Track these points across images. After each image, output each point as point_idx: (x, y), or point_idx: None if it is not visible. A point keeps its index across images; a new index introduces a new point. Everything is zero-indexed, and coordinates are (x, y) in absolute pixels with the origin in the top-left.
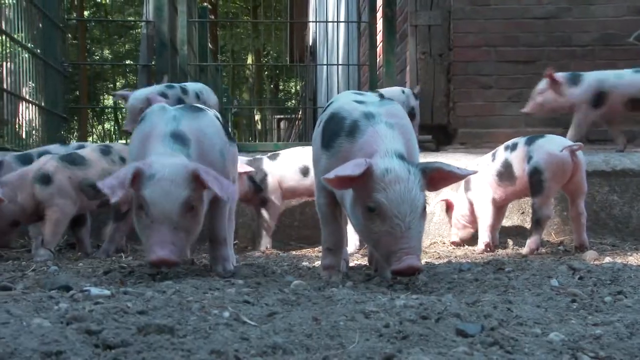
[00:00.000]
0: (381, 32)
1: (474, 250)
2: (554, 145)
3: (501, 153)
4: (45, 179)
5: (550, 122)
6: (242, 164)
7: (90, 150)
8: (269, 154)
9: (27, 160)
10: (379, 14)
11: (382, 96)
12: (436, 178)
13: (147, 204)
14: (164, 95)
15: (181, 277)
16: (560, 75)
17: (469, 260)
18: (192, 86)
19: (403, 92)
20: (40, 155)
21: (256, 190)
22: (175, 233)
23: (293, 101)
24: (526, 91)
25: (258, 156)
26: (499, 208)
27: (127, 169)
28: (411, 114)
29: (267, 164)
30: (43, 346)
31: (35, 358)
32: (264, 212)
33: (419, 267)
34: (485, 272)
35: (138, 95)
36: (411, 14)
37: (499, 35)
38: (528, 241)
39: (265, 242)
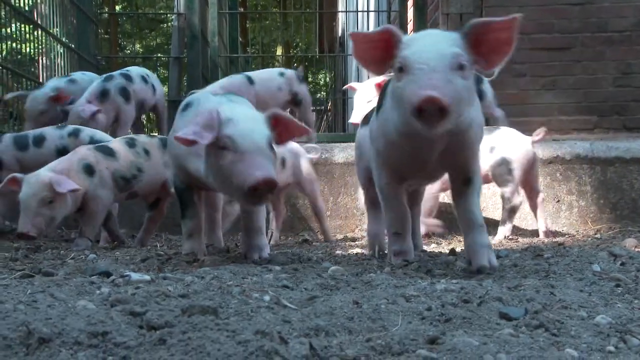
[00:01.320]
0: (412, 21)
1: (511, 238)
2: (515, 135)
3: None
4: (89, 169)
5: (583, 110)
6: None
7: (117, 143)
8: None
9: (23, 141)
10: (410, 3)
11: None
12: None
13: (234, 140)
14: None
15: (218, 263)
16: None
17: (506, 247)
18: (135, 70)
19: (282, 74)
20: (35, 137)
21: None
22: (267, 161)
23: (323, 92)
24: (560, 79)
25: None
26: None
27: (204, 113)
28: (296, 101)
29: None
30: (89, 327)
31: (82, 338)
32: None
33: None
34: (524, 259)
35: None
36: (442, 2)
37: (532, 22)
38: (502, 229)
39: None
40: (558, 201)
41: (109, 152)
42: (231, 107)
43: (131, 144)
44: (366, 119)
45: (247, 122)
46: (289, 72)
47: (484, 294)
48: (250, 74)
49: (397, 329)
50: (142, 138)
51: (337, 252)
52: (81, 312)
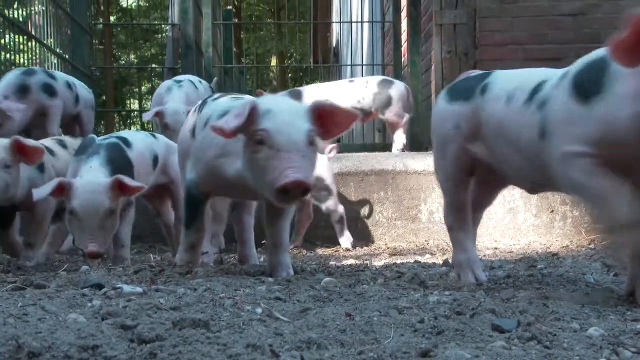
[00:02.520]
0: (405, 31)
1: (504, 249)
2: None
3: None
4: (40, 166)
5: None
6: None
7: (50, 142)
8: None
9: None
10: (404, 14)
11: None
12: None
13: (270, 134)
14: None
15: (211, 275)
16: None
17: (500, 258)
18: (61, 75)
19: (199, 82)
20: None
21: None
22: (303, 160)
23: None
24: None
25: None
26: None
27: (242, 104)
28: None
29: None
30: (79, 340)
31: (72, 352)
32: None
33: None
34: (518, 269)
35: None
36: (436, 13)
37: (526, 33)
38: (344, 239)
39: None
40: (552, 211)
41: (49, 151)
42: (271, 99)
43: (63, 144)
44: None
45: (285, 115)
46: (204, 82)
47: (477, 305)
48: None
49: (390, 342)
50: (69, 139)
51: (331, 262)
52: (71, 325)
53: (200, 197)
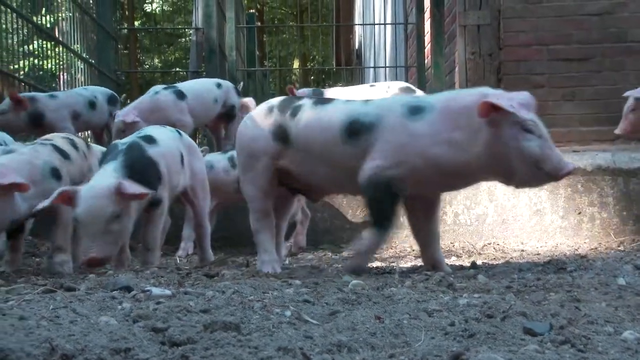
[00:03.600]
0: (429, 33)
1: (531, 251)
2: None
3: None
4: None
5: (603, 121)
6: None
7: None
8: None
9: None
10: (427, 15)
11: None
12: None
13: (538, 125)
14: None
15: (238, 278)
16: None
17: (527, 261)
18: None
19: (219, 85)
20: None
21: None
22: None
23: None
24: (579, 90)
25: None
26: None
27: (522, 93)
28: (230, 114)
29: None
30: (112, 343)
31: (105, 354)
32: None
33: None
34: (547, 272)
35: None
36: (460, 14)
37: (551, 33)
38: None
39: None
40: (579, 213)
41: (65, 155)
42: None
43: (74, 145)
44: None
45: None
46: (226, 83)
47: (508, 308)
48: (185, 83)
49: (420, 345)
50: (77, 138)
51: None
52: (103, 328)
53: (399, 192)
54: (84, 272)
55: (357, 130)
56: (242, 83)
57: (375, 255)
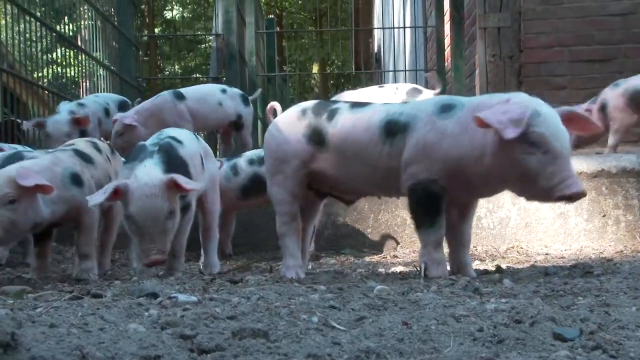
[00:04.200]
0: (448, 36)
1: (555, 255)
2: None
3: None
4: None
5: None
6: None
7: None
8: None
9: None
10: (446, 18)
11: None
12: None
13: (545, 139)
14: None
15: (262, 284)
16: None
17: (552, 264)
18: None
19: (224, 91)
20: None
21: None
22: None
23: None
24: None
25: None
26: None
27: (516, 106)
28: (237, 122)
29: None
30: (141, 350)
31: None
32: None
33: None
34: (573, 276)
35: (59, 120)
36: (480, 17)
37: (572, 34)
38: None
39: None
40: (604, 215)
41: (89, 160)
42: (539, 104)
43: (97, 148)
44: None
45: (556, 120)
46: (233, 91)
47: (536, 313)
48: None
49: (449, 351)
50: (100, 142)
51: (380, 269)
52: (132, 335)
53: (439, 192)
54: (109, 279)
55: (393, 130)
56: (260, 90)
57: (399, 260)
